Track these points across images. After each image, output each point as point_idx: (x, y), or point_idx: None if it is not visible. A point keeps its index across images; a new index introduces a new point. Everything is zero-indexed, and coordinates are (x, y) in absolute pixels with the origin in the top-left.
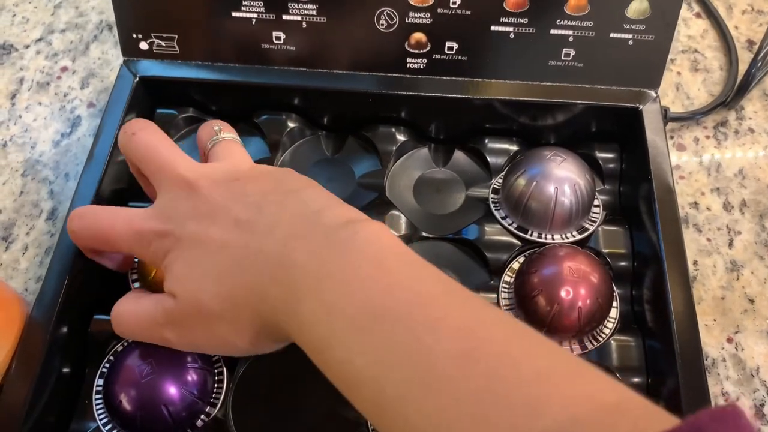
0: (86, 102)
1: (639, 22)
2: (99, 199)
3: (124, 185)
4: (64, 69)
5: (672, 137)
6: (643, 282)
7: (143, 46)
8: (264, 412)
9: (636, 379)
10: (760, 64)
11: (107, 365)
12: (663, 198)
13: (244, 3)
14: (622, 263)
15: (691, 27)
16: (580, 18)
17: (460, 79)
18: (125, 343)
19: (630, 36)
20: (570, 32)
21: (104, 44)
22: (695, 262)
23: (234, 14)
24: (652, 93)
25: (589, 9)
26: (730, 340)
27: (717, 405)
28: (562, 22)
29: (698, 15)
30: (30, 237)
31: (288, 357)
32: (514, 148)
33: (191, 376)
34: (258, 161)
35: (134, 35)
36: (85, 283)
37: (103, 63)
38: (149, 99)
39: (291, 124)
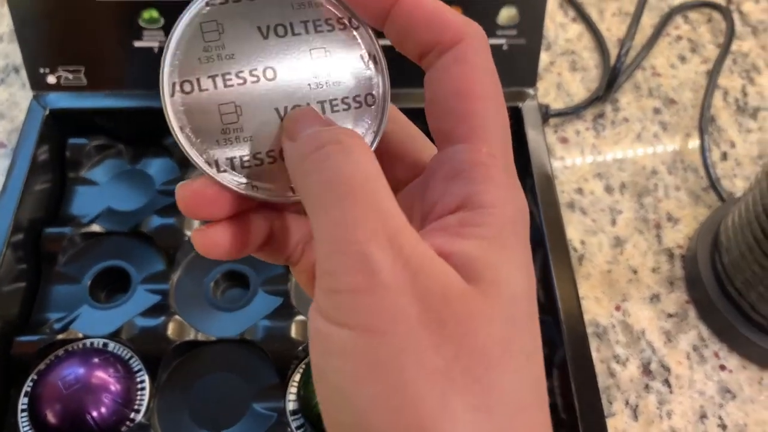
0: None
1: (510, 28)
2: (16, 229)
3: (40, 214)
4: None
5: (556, 131)
6: (534, 263)
7: (51, 79)
8: (187, 414)
9: None
10: (623, 59)
11: (31, 384)
12: (542, 185)
13: (145, 33)
14: None
15: (568, 31)
16: None
17: None
18: (47, 362)
19: (504, 41)
20: None
21: (11, 87)
22: (583, 242)
23: (136, 44)
24: (530, 91)
25: None
26: (618, 309)
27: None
28: None
29: (574, 20)
30: None
31: (207, 361)
32: None
33: (114, 386)
34: (169, 181)
35: (41, 70)
36: (4, 307)
37: (11, 104)
38: (60, 130)
39: None
